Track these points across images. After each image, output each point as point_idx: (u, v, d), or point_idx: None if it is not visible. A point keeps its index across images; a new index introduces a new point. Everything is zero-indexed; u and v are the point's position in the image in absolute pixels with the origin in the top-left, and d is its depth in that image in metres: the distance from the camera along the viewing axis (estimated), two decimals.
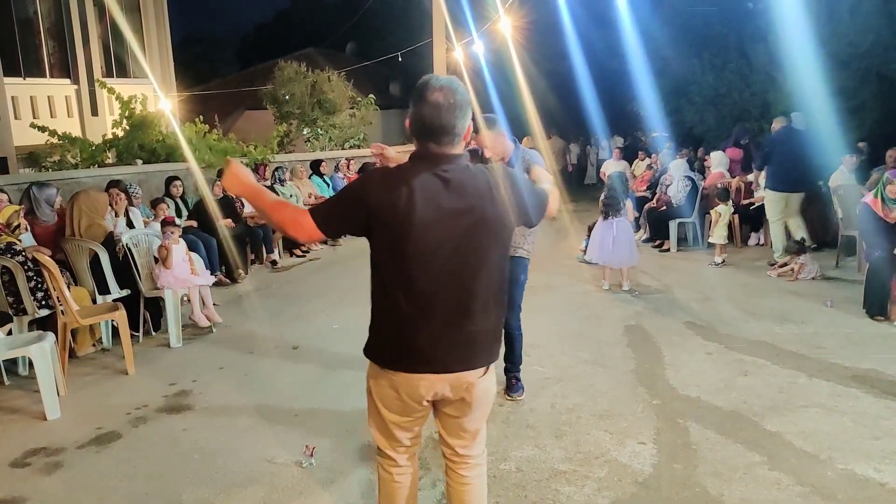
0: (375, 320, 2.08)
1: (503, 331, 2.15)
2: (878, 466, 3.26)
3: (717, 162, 9.62)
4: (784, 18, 10.17)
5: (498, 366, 2.32)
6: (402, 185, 1.91)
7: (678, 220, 8.72)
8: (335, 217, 2.02)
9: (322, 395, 4.35)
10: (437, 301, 1.95)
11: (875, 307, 5.46)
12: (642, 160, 12.35)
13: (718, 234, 7.80)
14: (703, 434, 3.65)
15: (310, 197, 9.49)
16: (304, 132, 13.53)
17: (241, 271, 7.49)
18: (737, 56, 12.60)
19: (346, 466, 3.40)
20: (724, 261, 7.71)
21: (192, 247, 6.42)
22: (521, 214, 2.11)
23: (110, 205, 5.93)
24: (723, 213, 7.83)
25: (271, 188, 9.09)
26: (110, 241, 5.48)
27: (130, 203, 6.48)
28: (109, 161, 9.47)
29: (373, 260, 2.02)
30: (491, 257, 2.00)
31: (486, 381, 2.12)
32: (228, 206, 7.87)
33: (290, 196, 9.32)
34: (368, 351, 2.12)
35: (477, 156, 3.74)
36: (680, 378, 4.44)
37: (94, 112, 14.05)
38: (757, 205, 8.67)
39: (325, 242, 9.37)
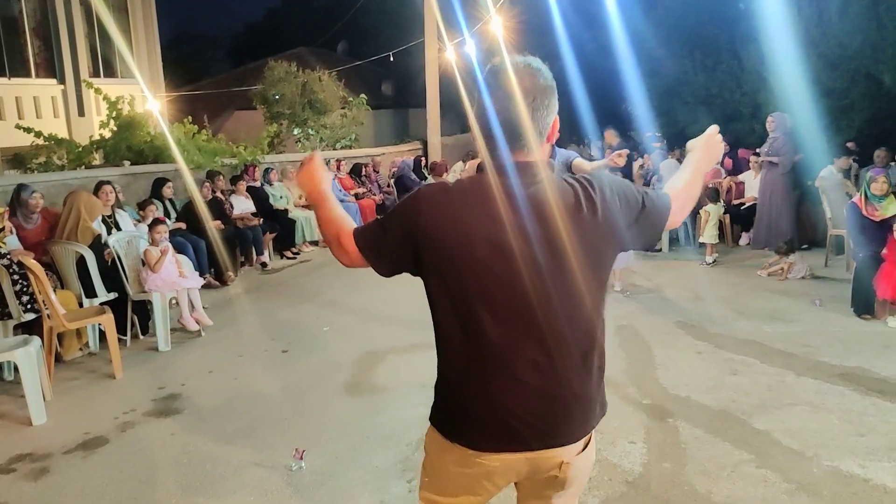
0: (439, 378, 1.63)
1: (604, 387, 1.66)
2: (862, 463, 3.29)
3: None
4: (775, 19, 10.24)
5: None
6: (463, 206, 1.50)
7: None
8: (378, 240, 1.59)
9: (312, 398, 4.33)
10: (513, 358, 1.51)
11: (862, 306, 5.49)
12: (634, 160, 12.37)
13: (708, 234, 7.82)
14: (693, 433, 3.66)
15: (300, 198, 9.46)
16: (295, 132, 13.49)
17: (230, 273, 7.45)
18: (728, 56, 12.64)
19: (337, 469, 3.39)
20: (714, 260, 7.73)
21: (180, 249, 6.41)
22: (631, 239, 1.61)
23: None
24: (712, 212, 7.85)
25: (261, 188, 9.07)
26: (97, 244, 5.44)
27: (118, 204, 6.43)
28: (97, 162, 9.41)
29: (429, 301, 1.58)
30: (583, 299, 1.52)
31: (584, 457, 1.64)
32: (217, 207, 7.83)
33: (281, 197, 9.29)
34: (434, 417, 1.65)
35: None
36: (670, 377, 4.45)
37: (81, 112, 13.94)
38: (748, 205, 8.71)
39: (315, 243, 9.35)
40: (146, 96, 10.80)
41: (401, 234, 1.54)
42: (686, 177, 1.79)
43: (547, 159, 1.57)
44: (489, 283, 1.49)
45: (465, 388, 1.55)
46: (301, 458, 3.47)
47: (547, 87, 1.54)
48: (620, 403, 4.07)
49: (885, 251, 5.38)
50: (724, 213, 8.53)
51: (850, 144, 9.71)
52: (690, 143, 1.87)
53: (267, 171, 9.51)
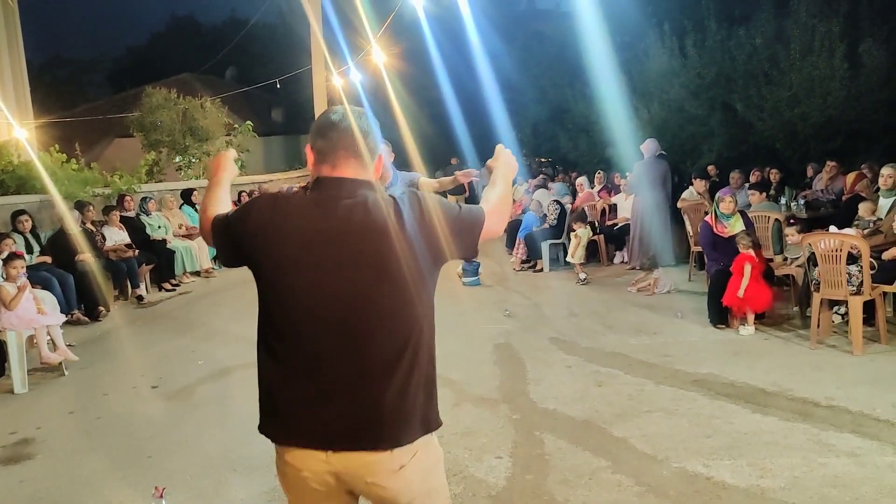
0: (260, 380, 1.74)
1: (431, 405, 1.71)
2: (706, 462, 3.53)
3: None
4: (644, 52, 11.09)
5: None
6: (285, 215, 1.63)
7: (550, 242, 9.13)
8: (224, 227, 1.76)
9: (179, 434, 4.18)
10: (323, 357, 1.61)
11: (716, 316, 5.93)
12: (521, 185, 12.85)
13: (578, 255, 8.27)
14: (556, 444, 3.81)
15: (180, 227, 9.14)
16: (177, 160, 13.02)
17: (101, 308, 7.06)
18: (605, 85, 13.40)
19: None
20: (585, 278, 8.11)
21: (45, 284, 6.05)
22: (448, 248, 1.71)
23: None
24: (582, 236, 8.29)
25: (136, 218, 8.71)
26: None
27: None
28: None
29: (259, 303, 1.71)
30: (395, 308, 1.63)
31: (410, 471, 1.65)
32: (89, 238, 7.43)
33: (159, 227, 8.93)
34: (261, 423, 1.76)
35: None
36: (540, 392, 4.63)
37: None
38: (620, 225, 9.25)
39: (196, 273, 9.06)
40: (11, 123, 10.11)
41: (233, 232, 1.71)
42: (499, 190, 1.95)
43: (372, 180, 1.71)
44: (299, 290, 1.62)
45: (280, 386, 1.67)
46: (161, 497, 3.31)
47: (372, 125, 1.73)
48: (491, 420, 4.19)
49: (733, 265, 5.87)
50: (599, 233, 9.03)
51: (710, 168, 10.54)
52: (490, 162, 2.07)
53: (144, 200, 9.13)
